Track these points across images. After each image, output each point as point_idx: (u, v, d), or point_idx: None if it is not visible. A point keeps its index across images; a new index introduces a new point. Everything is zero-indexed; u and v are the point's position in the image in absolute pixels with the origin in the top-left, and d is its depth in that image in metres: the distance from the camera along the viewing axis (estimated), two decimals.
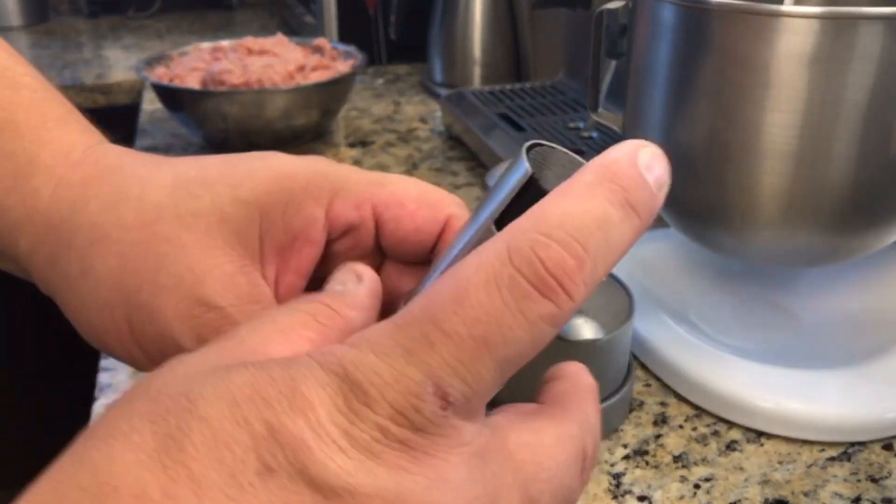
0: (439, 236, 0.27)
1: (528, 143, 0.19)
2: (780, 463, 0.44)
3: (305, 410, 0.15)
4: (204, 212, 0.25)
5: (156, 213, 0.25)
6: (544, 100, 0.95)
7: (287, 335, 0.19)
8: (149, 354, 0.25)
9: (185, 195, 0.25)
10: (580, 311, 0.43)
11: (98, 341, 0.26)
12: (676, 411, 0.49)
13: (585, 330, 0.41)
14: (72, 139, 0.27)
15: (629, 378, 0.48)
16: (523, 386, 0.44)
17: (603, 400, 0.46)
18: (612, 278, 0.51)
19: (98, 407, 0.50)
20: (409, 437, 0.16)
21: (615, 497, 0.42)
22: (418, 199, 0.27)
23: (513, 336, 0.17)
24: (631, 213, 0.18)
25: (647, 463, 0.44)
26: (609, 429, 0.47)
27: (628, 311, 0.47)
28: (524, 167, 0.19)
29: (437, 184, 0.93)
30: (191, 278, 0.24)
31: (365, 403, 0.16)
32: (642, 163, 0.18)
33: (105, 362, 0.54)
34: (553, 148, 0.20)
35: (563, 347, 0.43)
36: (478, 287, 0.16)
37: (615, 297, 0.49)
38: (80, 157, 0.27)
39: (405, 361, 0.16)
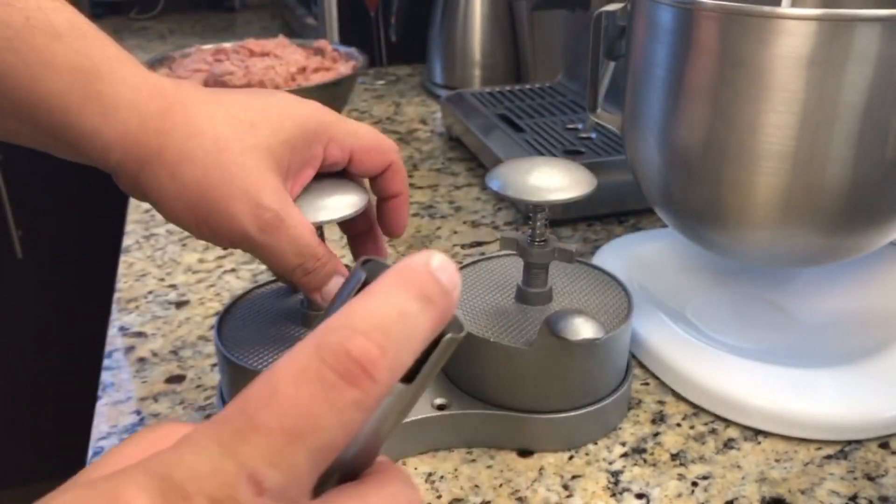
0: (383, 172, 0.43)
1: (362, 258, 0.24)
2: (777, 461, 0.45)
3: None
4: (259, 146, 0.38)
5: (225, 143, 0.37)
6: (543, 101, 0.95)
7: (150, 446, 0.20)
8: (217, 235, 0.38)
9: (242, 133, 0.37)
10: (580, 311, 0.43)
11: (176, 222, 0.38)
12: (674, 410, 0.49)
13: (585, 329, 0.42)
14: (136, 75, 0.37)
15: (628, 377, 0.48)
16: (530, 392, 0.45)
17: (602, 399, 0.46)
18: (611, 278, 0.51)
19: (100, 406, 0.50)
20: None
21: (613, 495, 0.42)
22: (378, 148, 0.42)
23: (323, 425, 0.18)
24: (428, 304, 0.19)
25: (645, 461, 0.45)
26: (608, 427, 0.47)
27: (627, 311, 0.48)
28: (359, 275, 0.23)
29: (438, 185, 0.93)
30: (254, 190, 0.37)
31: (183, 498, 0.17)
32: (434, 266, 0.20)
33: (108, 361, 0.55)
34: (384, 263, 0.23)
35: (565, 347, 0.43)
36: (287, 382, 0.18)
37: (614, 297, 0.49)
38: (148, 91, 0.37)
39: (220, 455, 0.17)
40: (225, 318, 0.46)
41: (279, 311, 0.47)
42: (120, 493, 0.17)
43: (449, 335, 0.22)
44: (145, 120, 0.36)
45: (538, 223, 0.46)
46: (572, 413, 0.45)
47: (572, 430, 0.45)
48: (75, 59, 0.35)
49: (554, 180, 0.45)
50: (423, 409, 0.45)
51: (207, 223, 0.37)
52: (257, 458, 0.17)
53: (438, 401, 0.46)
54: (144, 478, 0.17)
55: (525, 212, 0.76)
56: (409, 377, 0.20)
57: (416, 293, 0.19)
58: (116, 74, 0.36)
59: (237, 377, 0.43)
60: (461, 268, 0.52)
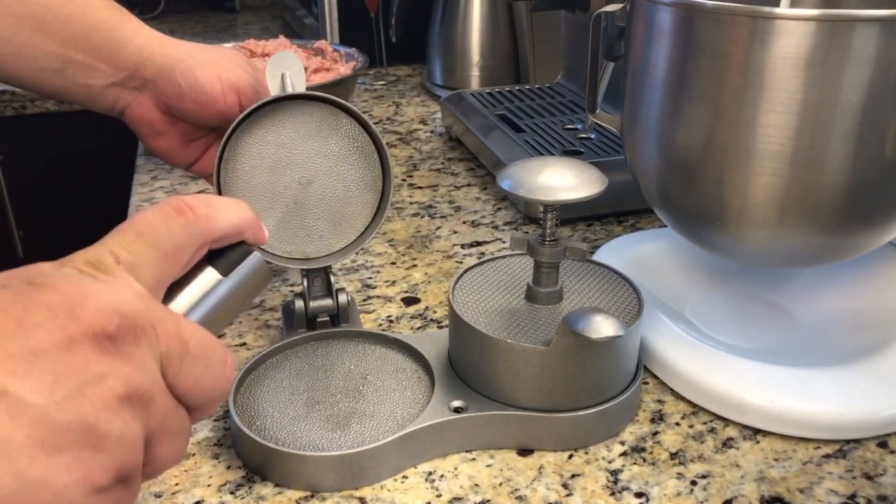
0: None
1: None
2: (776, 460, 0.45)
3: (34, 266, 0.27)
4: (232, 72, 0.56)
5: (214, 63, 0.55)
6: (543, 101, 0.95)
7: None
8: (226, 84, 0.55)
9: (219, 66, 0.55)
10: (598, 309, 0.43)
11: (194, 78, 0.54)
12: (673, 409, 0.49)
13: (606, 327, 0.42)
14: (137, 30, 0.55)
15: (637, 377, 0.48)
16: (558, 385, 0.45)
17: (615, 396, 0.46)
18: (619, 276, 0.51)
19: None
20: (91, 271, 0.28)
21: (613, 493, 0.42)
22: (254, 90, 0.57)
23: (159, 232, 0.30)
24: (239, 210, 0.34)
25: (644, 460, 0.45)
26: (614, 430, 0.47)
27: (638, 308, 0.48)
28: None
29: (438, 185, 0.93)
30: (245, 74, 0.56)
31: (71, 260, 0.28)
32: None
33: None
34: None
35: (585, 345, 0.43)
36: (144, 212, 0.31)
37: (623, 295, 0.50)
38: (154, 43, 0.55)
39: (98, 246, 0.29)
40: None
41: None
42: (34, 264, 0.27)
43: (257, 253, 0.34)
44: (157, 61, 0.55)
45: (549, 223, 0.46)
46: (587, 412, 0.45)
47: (588, 428, 0.46)
48: (109, 3, 0.55)
49: (565, 180, 0.45)
50: (441, 413, 0.45)
51: (220, 78, 0.54)
52: (116, 244, 0.29)
53: (455, 403, 0.46)
54: (52, 263, 0.28)
55: (526, 212, 0.76)
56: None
57: (241, 203, 0.34)
58: (129, 31, 0.55)
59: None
60: (469, 269, 0.53)
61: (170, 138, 0.58)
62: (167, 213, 0.31)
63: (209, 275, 0.32)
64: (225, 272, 0.32)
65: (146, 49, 0.54)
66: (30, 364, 0.24)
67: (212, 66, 0.55)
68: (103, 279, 0.27)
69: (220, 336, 0.57)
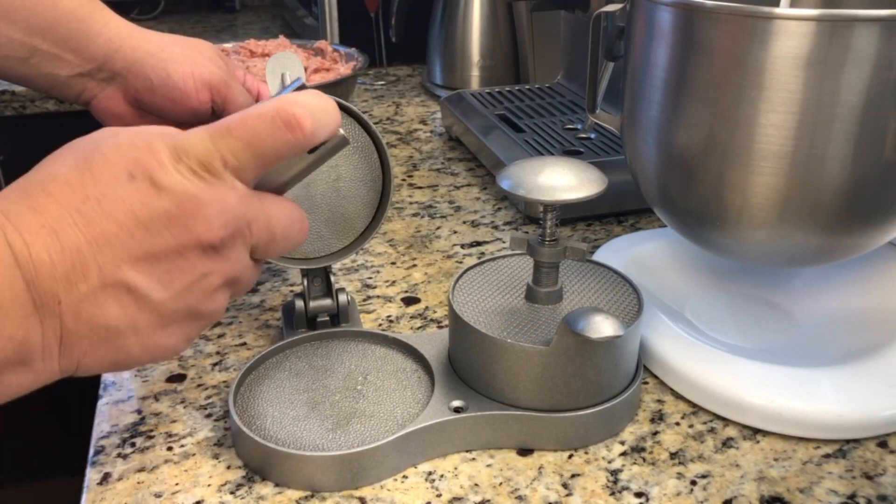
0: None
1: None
2: (775, 460, 0.45)
3: (154, 154, 0.32)
4: (205, 67, 0.55)
5: (187, 58, 0.55)
6: (543, 101, 0.95)
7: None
8: (199, 81, 0.54)
9: (192, 61, 0.55)
10: (598, 309, 0.43)
11: (166, 74, 0.54)
12: (673, 409, 0.49)
13: (606, 327, 0.42)
14: (108, 21, 0.54)
15: (637, 377, 0.48)
16: (558, 385, 0.45)
17: (616, 396, 0.46)
18: (619, 276, 0.51)
19: (101, 405, 0.50)
20: (204, 175, 0.33)
21: (612, 493, 0.42)
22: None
23: (266, 144, 0.33)
24: (335, 114, 0.36)
25: (644, 460, 0.45)
26: (614, 430, 0.47)
27: (638, 308, 0.48)
28: (300, 81, 0.40)
29: (438, 185, 0.93)
30: (217, 70, 0.56)
31: (185, 155, 0.33)
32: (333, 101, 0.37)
33: None
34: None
35: (585, 345, 0.43)
36: (254, 116, 0.34)
37: (623, 295, 0.50)
38: (125, 35, 0.54)
39: (209, 141, 0.33)
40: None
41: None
42: (152, 144, 0.32)
43: (340, 132, 0.37)
44: (126, 53, 0.54)
45: (549, 222, 0.46)
46: (587, 412, 0.45)
47: (588, 428, 0.46)
48: None
49: (565, 179, 0.45)
50: (441, 413, 0.45)
51: (193, 74, 0.54)
52: (226, 149, 0.33)
53: (455, 403, 0.46)
54: (163, 139, 0.33)
55: (526, 212, 0.76)
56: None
57: (333, 105, 0.36)
58: (100, 22, 0.54)
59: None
60: (469, 269, 0.53)
61: None
62: (278, 128, 0.33)
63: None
64: (311, 150, 0.37)
65: (115, 41, 0.53)
66: (152, 265, 0.32)
67: (184, 62, 0.54)
68: (213, 183, 0.33)
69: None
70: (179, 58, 0.54)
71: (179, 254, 0.32)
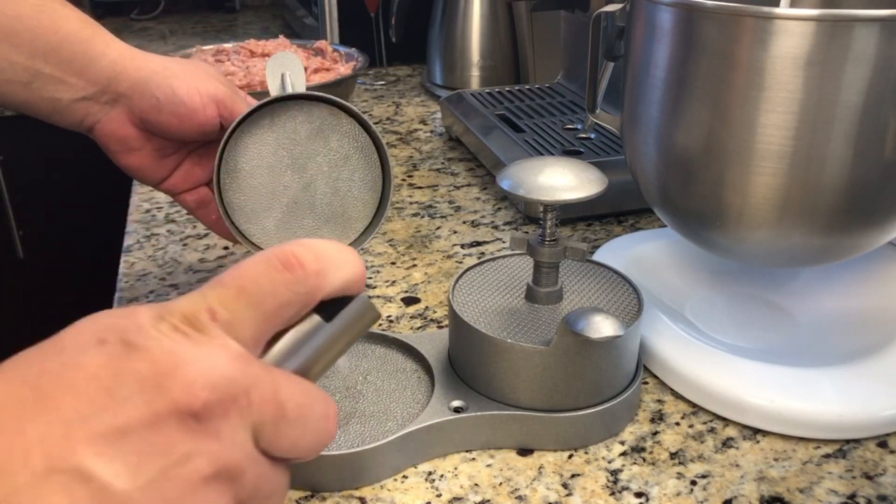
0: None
1: None
2: (775, 460, 0.45)
3: (133, 317, 0.26)
4: (209, 82, 0.54)
5: (191, 74, 0.54)
6: (543, 101, 0.95)
7: None
8: (204, 96, 0.53)
9: (196, 77, 0.54)
10: (597, 309, 0.43)
11: (171, 90, 0.52)
12: (673, 409, 0.49)
13: (605, 327, 0.42)
14: (110, 43, 0.53)
15: (637, 377, 0.48)
16: (558, 385, 0.45)
17: (616, 396, 0.46)
18: (619, 276, 0.52)
19: None
20: (187, 330, 0.26)
21: (612, 493, 0.42)
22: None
23: (262, 289, 0.28)
24: (353, 257, 0.31)
25: (644, 460, 0.45)
26: (614, 430, 0.47)
27: (637, 307, 0.48)
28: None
29: (438, 185, 0.92)
30: (221, 86, 0.54)
31: (168, 314, 0.27)
32: (354, 252, 0.31)
33: None
34: None
35: (585, 345, 0.43)
36: (248, 263, 0.28)
37: (623, 294, 0.50)
38: (127, 57, 0.54)
39: (196, 297, 0.27)
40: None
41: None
42: (132, 309, 0.27)
43: (364, 295, 0.30)
44: (130, 75, 0.53)
45: (549, 222, 0.46)
46: (587, 412, 0.45)
47: (588, 428, 0.46)
48: (81, 16, 0.53)
49: (565, 179, 0.45)
50: (441, 413, 0.45)
51: (199, 92, 0.53)
52: (215, 300, 0.27)
53: (455, 403, 0.46)
54: (148, 306, 0.27)
55: (526, 212, 0.76)
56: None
57: (353, 252, 0.30)
58: (101, 45, 0.53)
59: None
60: (469, 269, 0.53)
61: (142, 155, 0.55)
62: (273, 268, 0.28)
63: (312, 320, 0.29)
64: (329, 317, 0.29)
65: (119, 62, 0.53)
66: (116, 444, 0.24)
67: (188, 78, 0.53)
68: (198, 340, 0.26)
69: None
70: (183, 74, 0.53)
71: (152, 426, 0.24)
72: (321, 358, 0.29)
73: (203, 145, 0.57)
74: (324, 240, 0.30)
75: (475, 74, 1.14)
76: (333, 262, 0.29)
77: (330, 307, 0.29)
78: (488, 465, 0.45)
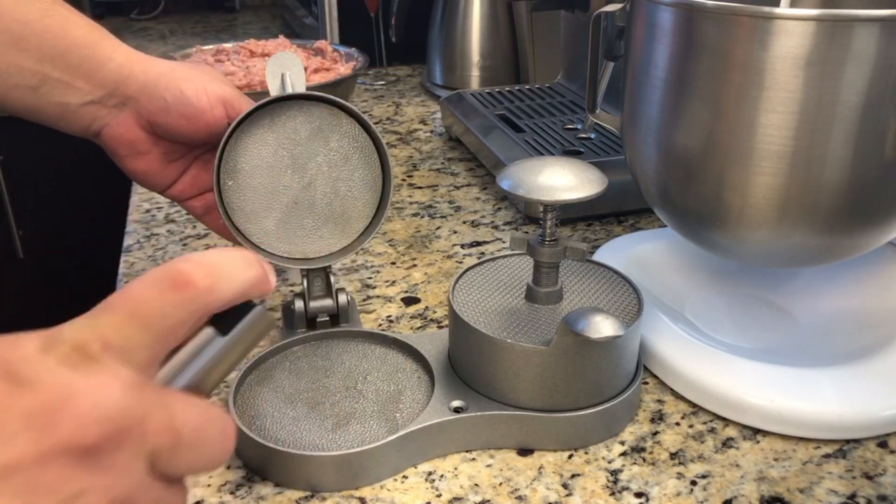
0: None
1: None
2: (776, 460, 0.45)
3: (18, 347, 0.25)
4: (216, 84, 0.55)
5: (197, 76, 0.54)
6: (543, 101, 0.95)
7: None
8: (212, 96, 0.53)
9: (202, 79, 0.54)
10: (598, 309, 0.43)
11: (179, 91, 0.53)
12: (673, 409, 0.49)
13: (605, 327, 0.42)
14: (117, 47, 0.54)
15: (637, 377, 0.48)
16: (558, 385, 0.45)
17: (616, 396, 0.46)
18: (619, 276, 0.51)
19: None
20: (79, 362, 0.25)
21: (612, 493, 0.42)
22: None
23: (153, 312, 0.27)
24: (251, 268, 0.30)
25: (644, 460, 0.45)
26: (614, 430, 0.47)
27: (637, 307, 0.48)
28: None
29: (437, 185, 0.92)
30: (228, 87, 0.55)
31: (59, 343, 0.25)
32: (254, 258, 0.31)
33: None
34: None
35: (585, 345, 0.43)
36: (136, 285, 0.27)
37: (623, 294, 0.50)
38: (134, 60, 0.54)
39: (85, 324, 0.26)
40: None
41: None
42: (16, 338, 0.25)
43: (259, 306, 0.30)
44: (138, 77, 0.54)
45: (549, 222, 0.46)
46: (587, 412, 0.45)
47: (588, 428, 0.46)
48: (87, 21, 0.54)
49: (565, 179, 0.45)
50: (441, 413, 0.45)
51: (206, 93, 0.53)
52: (107, 326, 0.26)
53: (455, 403, 0.46)
54: (33, 334, 0.26)
55: (526, 212, 0.76)
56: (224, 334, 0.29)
57: (246, 258, 0.30)
58: (108, 49, 0.54)
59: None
60: (469, 269, 0.53)
61: (150, 158, 0.55)
62: (163, 289, 0.27)
63: (205, 333, 0.29)
64: (224, 331, 0.29)
65: (126, 66, 0.53)
66: (2, 483, 0.23)
67: (195, 79, 0.53)
68: (88, 371, 0.25)
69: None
70: (190, 76, 0.54)
71: (41, 464, 0.23)
72: (215, 370, 0.29)
73: (210, 150, 0.57)
74: (216, 250, 0.29)
75: (475, 74, 1.14)
76: (224, 274, 0.29)
77: (225, 317, 0.29)
78: (488, 466, 0.45)
